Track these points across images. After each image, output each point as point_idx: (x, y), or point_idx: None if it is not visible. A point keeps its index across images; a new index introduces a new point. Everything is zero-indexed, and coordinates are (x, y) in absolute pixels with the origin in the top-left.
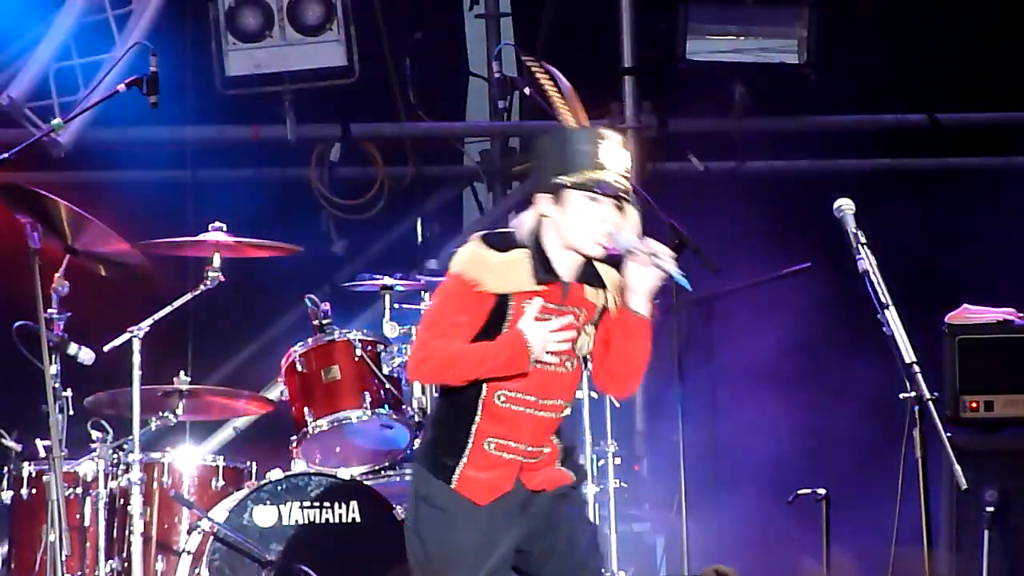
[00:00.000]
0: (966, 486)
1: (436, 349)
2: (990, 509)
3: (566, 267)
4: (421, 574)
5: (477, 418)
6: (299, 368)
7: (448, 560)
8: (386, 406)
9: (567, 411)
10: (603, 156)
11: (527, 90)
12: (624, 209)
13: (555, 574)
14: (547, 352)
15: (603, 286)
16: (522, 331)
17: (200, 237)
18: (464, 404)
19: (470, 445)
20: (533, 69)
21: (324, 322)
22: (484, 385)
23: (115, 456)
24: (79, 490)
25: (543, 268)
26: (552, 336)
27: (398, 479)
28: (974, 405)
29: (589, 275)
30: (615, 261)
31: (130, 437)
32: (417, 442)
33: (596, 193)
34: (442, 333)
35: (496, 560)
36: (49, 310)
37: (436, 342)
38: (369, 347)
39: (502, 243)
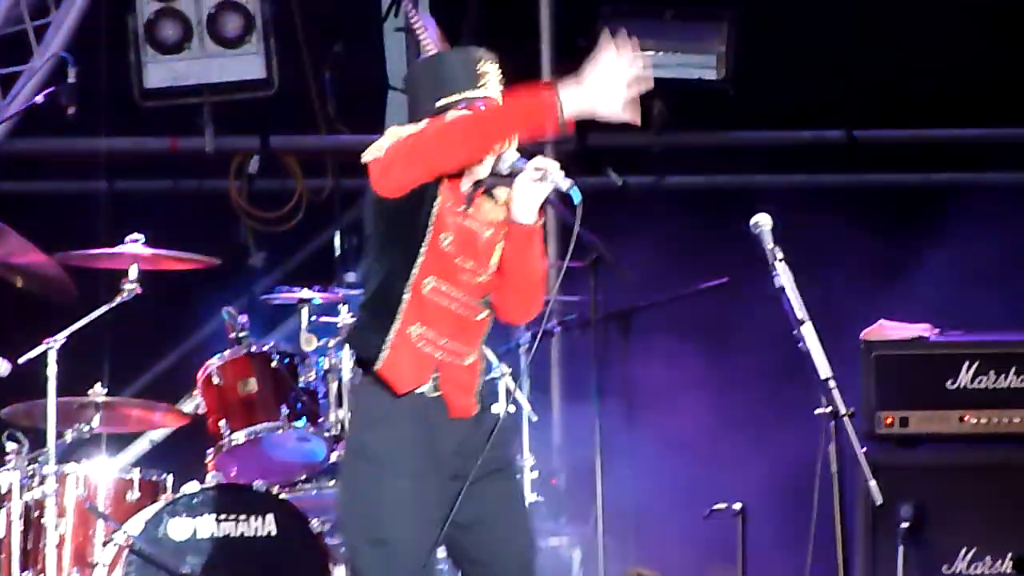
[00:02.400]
0: (881, 501)
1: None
2: (905, 525)
3: (464, 184)
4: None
5: (404, 302)
6: (216, 381)
7: (367, 455)
8: (303, 419)
9: (485, 317)
10: (480, 72)
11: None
12: None
13: (486, 551)
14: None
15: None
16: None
17: (117, 249)
18: (393, 289)
19: (396, 326)
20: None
21: (241, 335)
22: (414, 272)
23: (30, 468)
24: None
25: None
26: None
27: (315, 492)
28: (889, 421)
29: (487, 192)
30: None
31: (45, 449)
32: (334, 455)
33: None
34: None
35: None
36: None
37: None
38: (286, 360)
39: None
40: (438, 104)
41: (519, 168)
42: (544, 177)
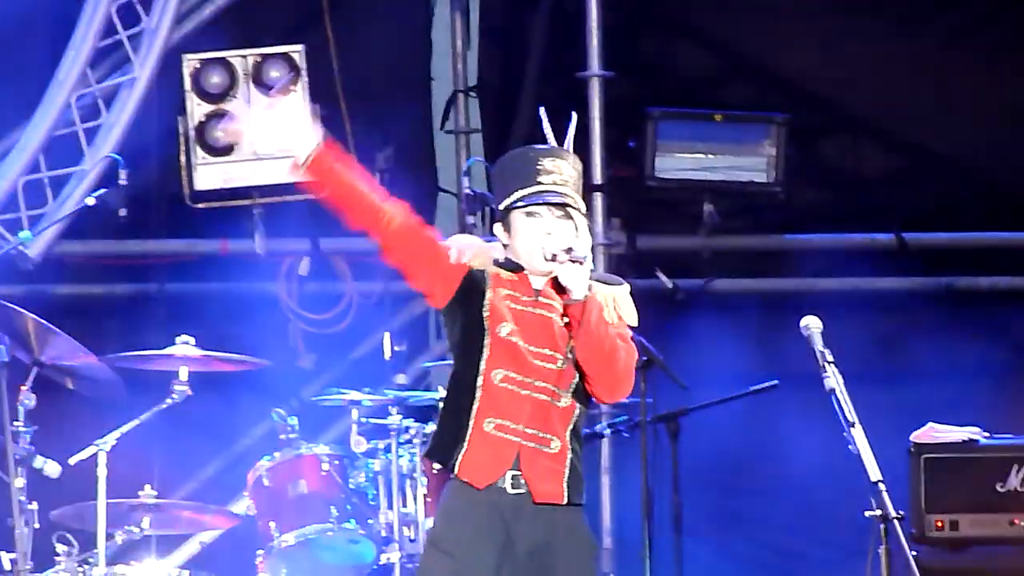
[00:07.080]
0: None
1: None
2: None
3: (536, 279)
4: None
5: (477, 398)
6: (266, 482)
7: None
8: (353, 520)
9: (570, 404)
10: (538, 169)
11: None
12: (571, 215)
13: None
14: None
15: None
16: None
17: (168, 351)
18: (465, 389)
19: (472, 422)
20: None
21: (291, 436)
22: (482, 365)
23: (80, 570)
24: None
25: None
26: None
27: None
28: (939, 524)
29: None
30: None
31: (95, 551)
32: (384, 557)
33: (533, 206)
34: None
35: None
36: (15, 423)
37: None
38: (336, 461)
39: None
40: (501, 207)
41: (550, 255)
42: (560, 261)
